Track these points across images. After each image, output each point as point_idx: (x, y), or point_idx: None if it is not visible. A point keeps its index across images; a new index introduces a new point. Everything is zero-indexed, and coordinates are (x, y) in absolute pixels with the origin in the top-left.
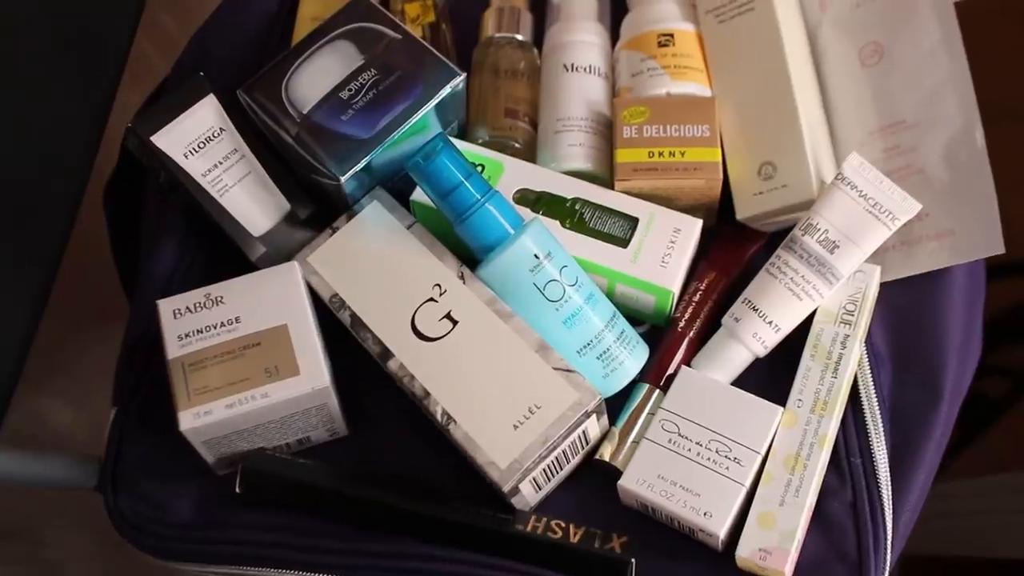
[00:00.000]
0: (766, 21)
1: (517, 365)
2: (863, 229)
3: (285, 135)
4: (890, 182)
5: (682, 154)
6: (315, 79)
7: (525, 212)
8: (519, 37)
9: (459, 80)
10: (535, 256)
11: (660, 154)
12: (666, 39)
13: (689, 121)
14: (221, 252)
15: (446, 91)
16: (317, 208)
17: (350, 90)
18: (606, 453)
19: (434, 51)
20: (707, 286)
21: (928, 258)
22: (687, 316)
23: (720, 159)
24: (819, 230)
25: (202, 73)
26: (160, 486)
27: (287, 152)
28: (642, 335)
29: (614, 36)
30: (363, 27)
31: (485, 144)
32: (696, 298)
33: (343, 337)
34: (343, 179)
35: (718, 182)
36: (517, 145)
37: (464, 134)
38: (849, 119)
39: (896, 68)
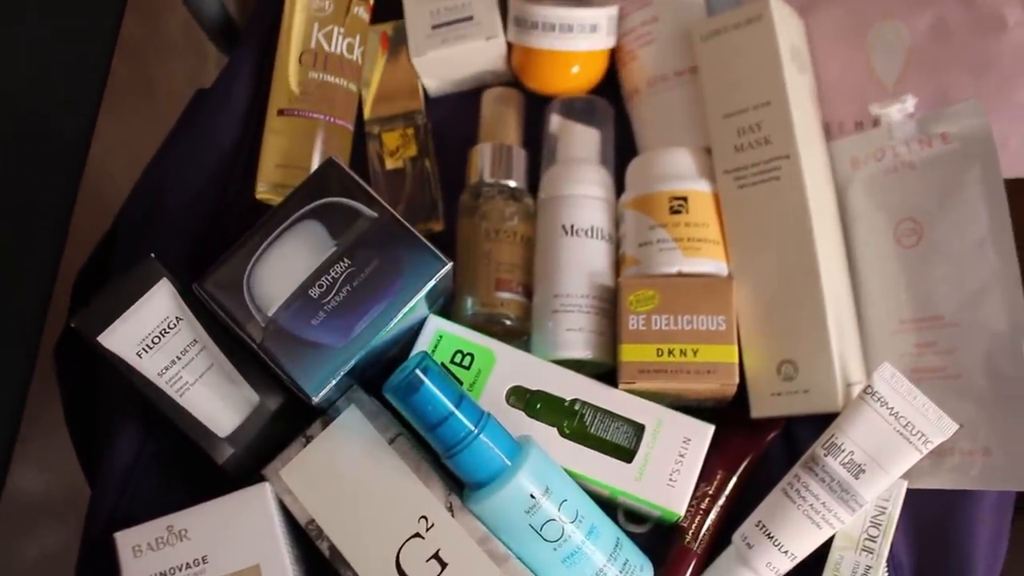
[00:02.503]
0: (794, 194)
1: None
2: (892, 452)
3: (249, 340)
4: (924, 398)
5: (695, 352)
6: (281, 270)
7: (519, 419)
8: (511, 184)
9: (445, 270)
10: (531, 496)
11: (670, 352)
12: (679, 204)
13: (703, 311)
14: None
15: (430, 285)
16: (289, 396)
17: (321, 286)
18: None
19: (416, 233)
20: (716, 488)
21: (958, 474)
22: (693, 528)
23: (737, 360)
24: (844, 451)
25: (151, 222)
26: None
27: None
28: (645, 536)
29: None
30: (334, 203)
31: (475, 317)
32: (704, 505)
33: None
34: (316, 399)
35: (733, 387)
36: (509, 322)
37: (452, 301)
38: (880, 302)
39: (936, 256)
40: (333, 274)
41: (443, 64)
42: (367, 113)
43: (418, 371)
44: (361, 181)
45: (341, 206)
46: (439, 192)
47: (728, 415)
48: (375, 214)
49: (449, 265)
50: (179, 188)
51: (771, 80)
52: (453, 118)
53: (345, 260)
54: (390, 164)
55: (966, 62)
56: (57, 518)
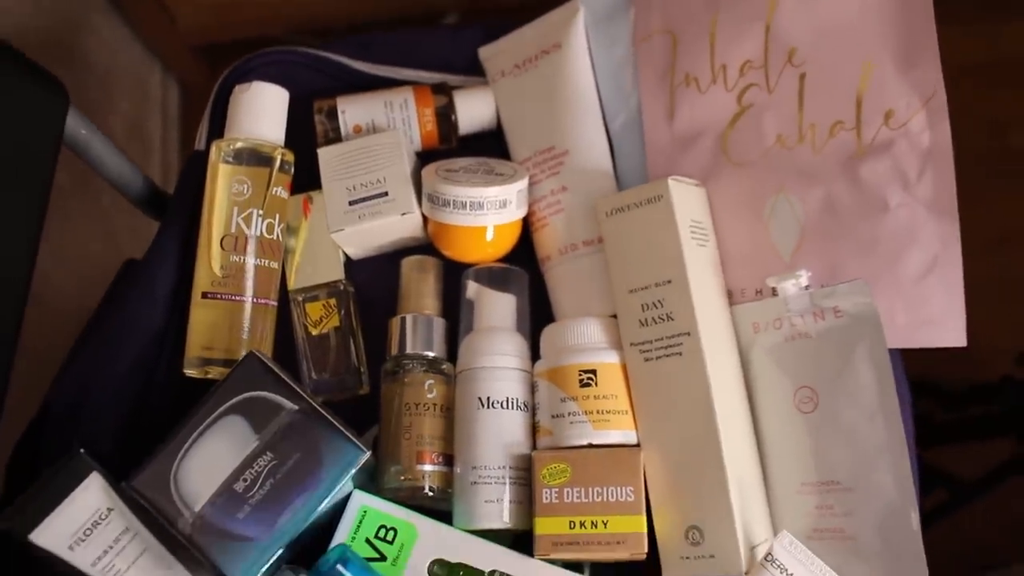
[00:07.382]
0: (695, 370)
1: None
2: None
3: (178, 534)
4: (821, 563)
5: (605, 524)
6: (206, 467)
7: None
8: (430, 354)
9: (364, 458)
10: None
11: (582, 524)
12: (588, 378)
13: (612, 482)
14: None
15: (350, 473)
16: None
17: (245, 480)
18: None
19: (336, 424)
20: None
21: None
22: None
23: (645, 529)
24: None
25: (80, 407)
26: None
27: None
28: None
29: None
30: (256, 398)
31: (398, 491)
32: None
33: None
34: None
35: (642, 554)
36: (431, 494)
37: (376, 467)
38: (784, 464)
39: (831, 423)
40: (256, 468)
41: (362, 236)
42: (290, 283)
43: (339, 567)
44: (282, 373)
45: (263, 400)
46: (364, 359)
47: (644, 569)
48: (295, 406)
49: (367, 454)
50: (107, 372)
51: (671, 260)
52: (376, 279)
53: (267, 454)
54: (314, 332)
55: (855, 239)
56: None
